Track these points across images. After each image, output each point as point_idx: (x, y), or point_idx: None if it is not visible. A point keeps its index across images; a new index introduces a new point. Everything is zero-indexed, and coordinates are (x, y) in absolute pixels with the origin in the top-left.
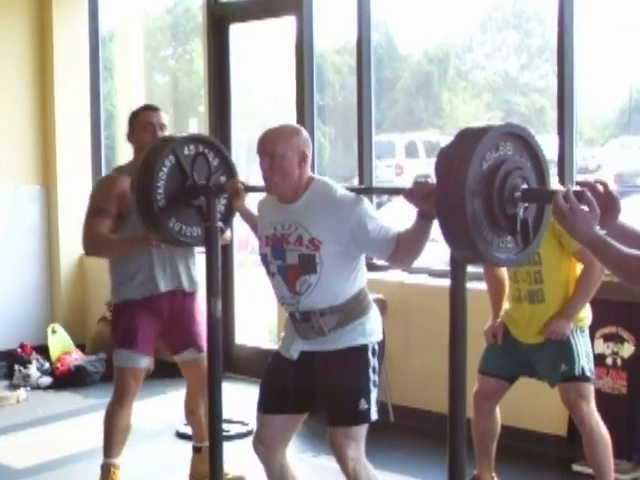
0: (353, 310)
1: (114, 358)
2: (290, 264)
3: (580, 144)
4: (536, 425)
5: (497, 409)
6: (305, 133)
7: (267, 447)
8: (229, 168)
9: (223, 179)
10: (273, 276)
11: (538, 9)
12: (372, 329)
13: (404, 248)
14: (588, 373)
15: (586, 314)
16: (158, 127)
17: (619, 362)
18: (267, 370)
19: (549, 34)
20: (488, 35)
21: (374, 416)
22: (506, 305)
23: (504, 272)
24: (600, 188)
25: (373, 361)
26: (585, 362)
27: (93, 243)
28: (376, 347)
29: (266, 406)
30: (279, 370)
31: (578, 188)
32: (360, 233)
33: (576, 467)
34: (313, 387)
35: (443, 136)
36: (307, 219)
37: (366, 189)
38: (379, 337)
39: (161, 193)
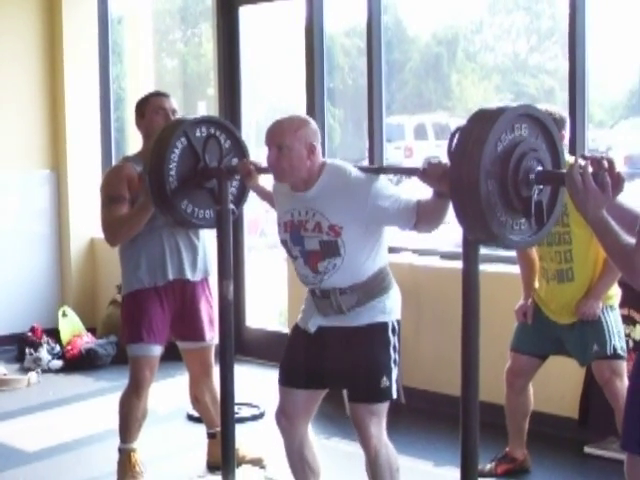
0: (373, 289)
1: (127, 349)
2: (310, 250)
3: (590, 126)
4: (548, 407)
5: (530, 386)
6: (313, 124)
7: (289, 419)
8: (241, 149)
9: (235, 161)
10: (296, 259)
11: None
12: (392, 307)
13: (425, 219)
14: (620, 351)
15: (615, 291)
16: (170, 112)
17: (631, 344)
18: (288, 344)
19: (559, 16)
20: (497, 17)
21: (395, 394)
22: (537, 284)
23: (535, 252)
24: (605, 164)
25: (393, 339)
26: (616, 340)
27: (112, 229)
28: (396, 325)
29: (286, 380)
30: (299, 344)
31: (601, 165)
32: (380, 212)
33: (588, 449)
34: (332, 363)
35: (452, 118)
36: (324, 205)
37: (379, 169)
38: (398, 315)
39: (173, 175)
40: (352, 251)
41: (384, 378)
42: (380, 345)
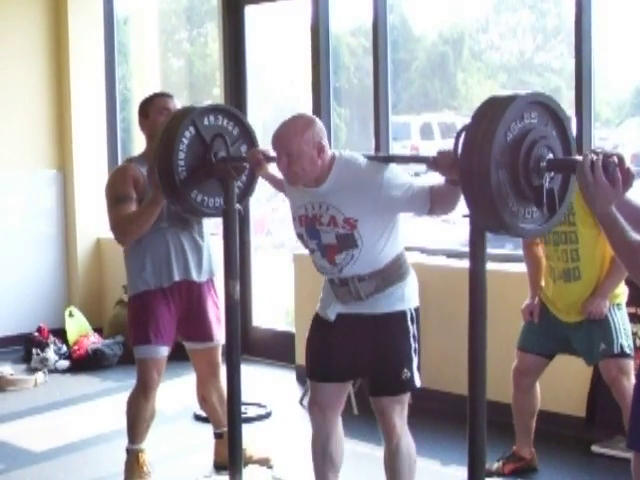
0: (391, 275)
1: (135, 351)
2: (327, 244)
3: (597, 124)
4: (555, 406)
5: (537, 385)
6: (319, 123)
7: (322, 409)
8: (250, 136)
9: (244, 147)
10: (313, 252)
11: None
12: (409, 295)
13: (439, 204)
14: (627, 350)
15: (622, 290)
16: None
17: (638, 342)
18: (309, 336)
19: (564, 14)
20: (503, 16)
21: (418, 383)
22: (543, 283)
23: (541, 251)
24: (615, 160)
25: (412, 328)
26: (624, 339)
27: (121, 227)
28: (414, 314)
29: (313, 375)
30: (319, 337)
31: (612, 159)
32: (393, 201)
33: (595, 448)
34: (353, 357)
35: (458, 117)
36: (337, 199)
37: (389, 158)
38: (416, 303)
39: (182, 165)
40: (369, 241)
41: (405, 369)
42: (399, 335)
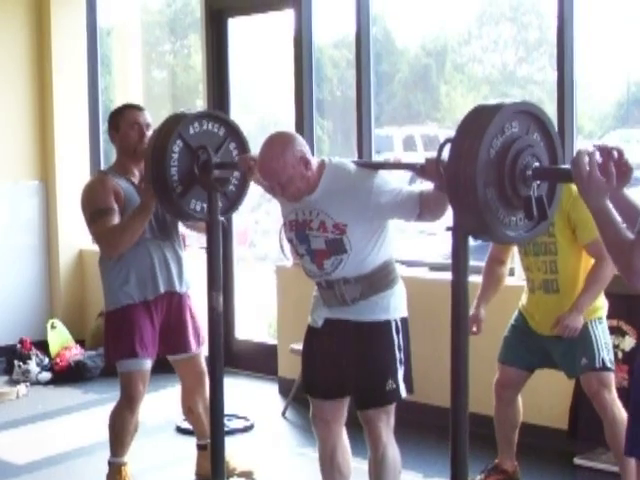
0: (379, 282)
1: (119, 365)
2: (316, 249)
3: (580, 137)
4: (537, 419)
5: (519, 398)
6: (296, 138)
7: (325, 423)
8: (237, 134)
9: (233, 145)
10: (302, 256)
11: (535, 2)
12: (396, 305)
13: (429, 209)
14: (609, 364)
15: (602, 304)
16: (145, 126)
17: (620, 355)
18: (303, 351)
19: (546, 27)
20: (485, 28)
21: (404, 394)
22: (523, 297)
23: (505, 269)
24: (615, 155)
25: (397, 339)
26: (605, 353)
27: (111, 238)
28: (399, 324)
29: (310, 392)
30: (311, 351)
31: (610, 154)
32: (383, 208)
33: (577, 460)
34: (339, 367)
35: (441, 129)
36: (327, 205)
37: (378, 164)
38: (403, 313)
39: (176, 180)
40: (358, 247)
41: (389, 381)
42: (384, 346)
